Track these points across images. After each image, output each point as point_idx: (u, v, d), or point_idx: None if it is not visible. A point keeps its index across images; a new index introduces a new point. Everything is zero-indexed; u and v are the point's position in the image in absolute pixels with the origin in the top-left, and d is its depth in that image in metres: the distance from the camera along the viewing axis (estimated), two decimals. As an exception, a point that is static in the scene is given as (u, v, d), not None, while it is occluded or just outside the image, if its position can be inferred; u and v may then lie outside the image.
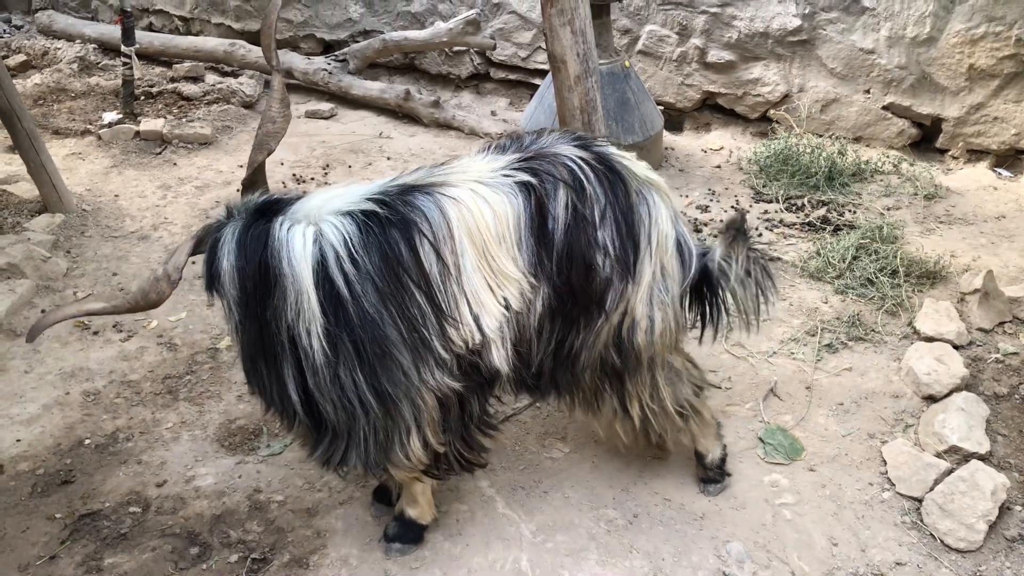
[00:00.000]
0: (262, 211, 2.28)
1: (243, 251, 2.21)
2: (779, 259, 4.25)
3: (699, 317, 2.76)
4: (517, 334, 2.42)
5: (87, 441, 3.23)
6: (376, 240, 2.24)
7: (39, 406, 3.42)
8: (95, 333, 3.84)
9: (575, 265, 2.41)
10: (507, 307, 2.36)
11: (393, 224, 2.26)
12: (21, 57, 7.08)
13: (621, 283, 2.46)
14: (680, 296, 2.62)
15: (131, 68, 5.94)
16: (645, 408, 2.68)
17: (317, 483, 3.00)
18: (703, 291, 2.71)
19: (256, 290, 2.22)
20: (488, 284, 2.33)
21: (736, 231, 2.65)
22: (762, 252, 2.73)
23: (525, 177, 2.39)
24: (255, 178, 2.40)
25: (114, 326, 3.89)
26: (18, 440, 3.24)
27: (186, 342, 3.77)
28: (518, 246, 2.36)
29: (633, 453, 3.03)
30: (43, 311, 3.98)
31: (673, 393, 2.72)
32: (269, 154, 2.38)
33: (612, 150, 2.57)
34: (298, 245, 2.19)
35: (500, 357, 2.39)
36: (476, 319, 2.32)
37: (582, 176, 2.42)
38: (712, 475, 2.95)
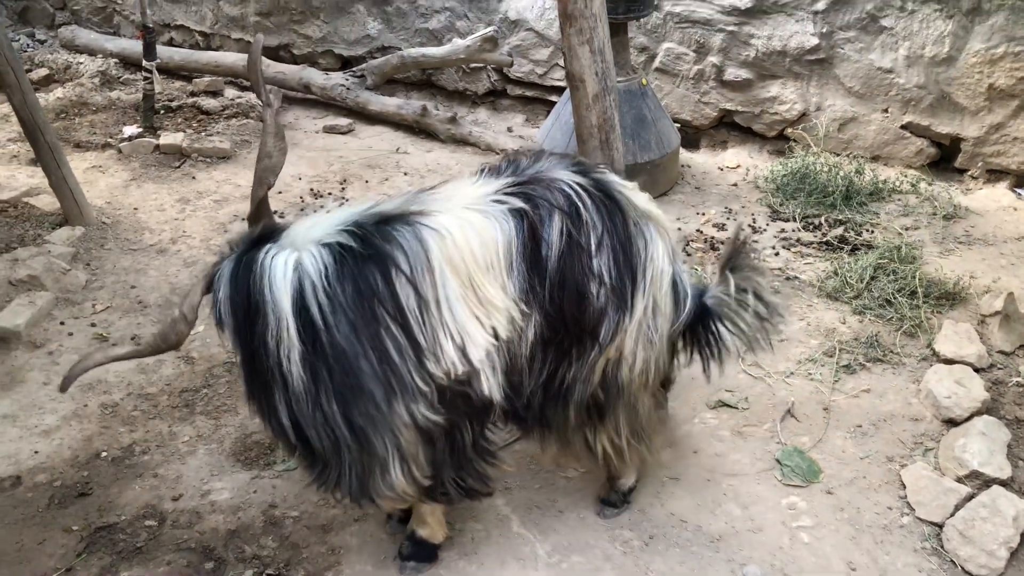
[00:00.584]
0: (256, 242, 2.31)
1: (234, 282, 2.26)
2: (796, 278, 4.24)
3: (700, 353, 2.73)
4: (509, 363, 2.38)
5: (104, 454, 3.25)
6: (350, 272, 2.22)
7: (57, 418, 3.44)
8: (113, 346, 3.87)
9: (567, 293, 2.37)
10: (496, 336, 2.31)
11: (367, 257, 2.23)
12: (44, 71, 7.17)
13: (616, 314, 2.42)
14: (670, 336, 2.59)
15: (152, 82, 6.00)
16: (608, 444, 2.66)
17: (332, 499, 3.00)
18: (698, 329, 2.68)
19: (245, 318, 2.24)
20: (475, 313, 2.29)
21: (734, 255, 2.65)
22: (758, 278, 2.69)
23: (518, 203, 2.36)
24: (259, 213, 2.42)
25: (132, 338, 3.92)
26: (36, 452, 3.26)
27: (203, 356, 3.78)
28: (508, 273, 2.32)
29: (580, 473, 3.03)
30: (61, 323, 4.01)
31: (627, 431, 2.68)
32: (269, 188, 2.39)
33: (612, 178, 2.55)
34: (279, 273, 2.21)
35: (490, 386, 2.34)
36: (462, 350, 2.27)
37: (579, 203, 2.39)
38: (615, 499, 2.93)
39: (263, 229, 2.36)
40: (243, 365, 2.36)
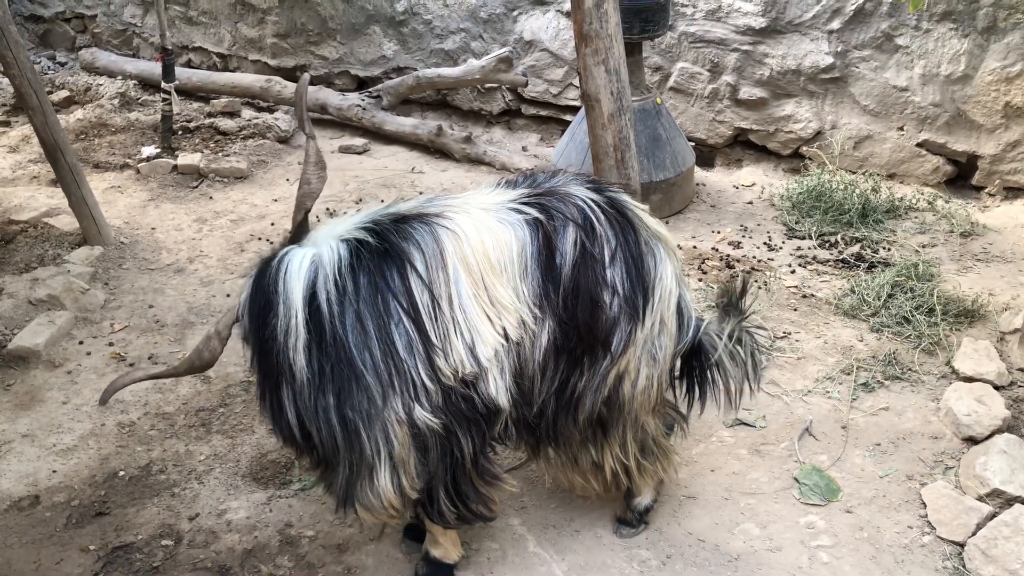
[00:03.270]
0: (281, 247, 2.39)
1: (255, 282, 2.34)
2: (813, 296, 4.22)
3: (688, 389, 2.76)
4: (518, 367, 2.38)
5: (121, 473, 3.26)
6: (365, 265, 2.26)
7: (75, 437, 3.46)
8: (131, 365, 3.89)
9: (581, 301, 2.38)
10: (506, 337, 2.32)
11: (382, 251, 2.28)
12: (65, 93, 7.28)
13: (629, 324, 2.43)
14: (672, 357, 2.60)
15: (170, 104, 6.08)
16: (615, 462, 2.65)
17: (348, 519, 2.99)
18: (693, 362, 2.71)
19: (260, 312, 2.29)
20: (485, 313, 2.31)
21: (728, 303, 2.66)
22: (752, 333, 2.73)
23: (533, 213, 2.39)
24: (298, 234, 2.45)
25: (149, 358, 3.94)
26: (54, 471, 3.28)
27: (219, 375, 3.80)
28: (522, 277, 2.35)
29: (604, 498, 2.97)
30: (80, 342, 4.05)
31: (635, 449, 2.67)
32: (307, 213, 2.45)
33: (625, 197, 2.58)
34: (295, 266, 2.26)
35: (498, 388, 2.33)
36: (471, 348, 2.28)
37: (592, 217, 2.42)
38: (631, 518, 2.91)
39: (292, 236, 2.42)
40: (256, 362, 2.37)
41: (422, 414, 2.27)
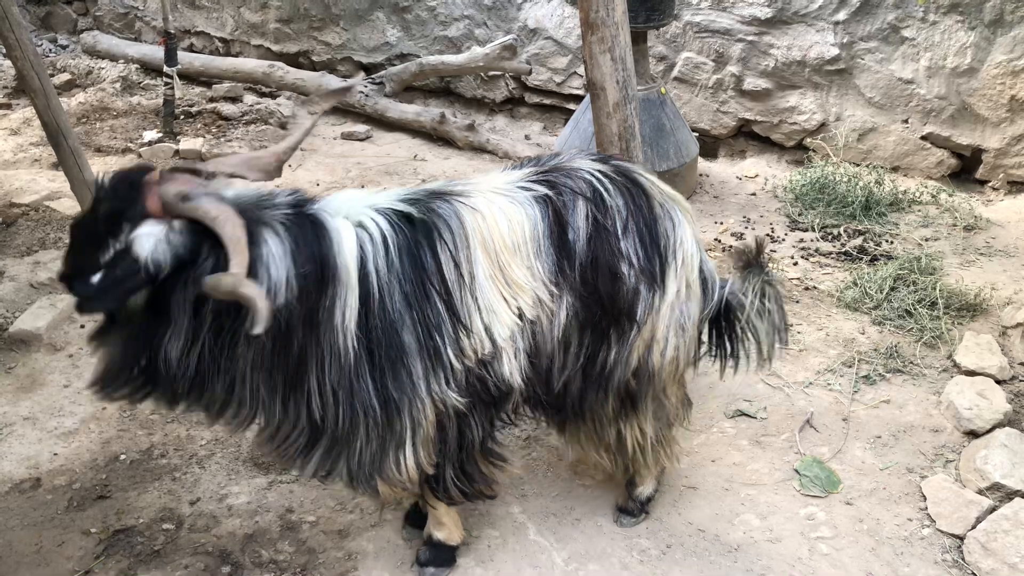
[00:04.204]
0: (300, 204, 2.23)
1: (297, 241, 2.13)
2: (815, 288, 4.21)
3: (717, 351, 2.73)
4: (533, 346, 2.38)
5: (123, 456, 3.27)
6: (406, 242, 2.25)
7: (77, 420, 3.46)
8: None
9: (600, 274, 2.38)
10: (520, 316, 2.32)
11: (420, 228, 2.27)
12: (66, 76, 7.24)
13: (649, 293, 2.43)
14: (700, 323, 2.59)
15: (172, 88, 6.05)
16: (637, 437, 2.64)
17: (348, 504, 3.00)
18: (722, 324, 2.68)
19: (314, 287, 2.13)
20: (501, 293, 2.31)
21: (750, 260, 2.62)
22: (774, 285, 2.67)
23: (542, 189, 2.40)
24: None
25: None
26: (55, 454, 3.28)
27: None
28: (536, 255, 2.35)
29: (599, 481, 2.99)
30: (81, 326, 4.04)
31: (655, 425, 2.67)
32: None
33: (632, 165, 2.58)
34: (347, 240, 2.18)
35: (512, 368, 2.34)
36: (488, 328, 2.29)
37: (601, 189, 2.42)
38: (633, 508, 2.91)
39: (297, 195, 2.26)
40: (285, 338, 2.15)
41: (452, 394, 2.29)
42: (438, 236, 2.27)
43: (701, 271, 2.56)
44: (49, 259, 4.37)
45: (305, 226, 2.15)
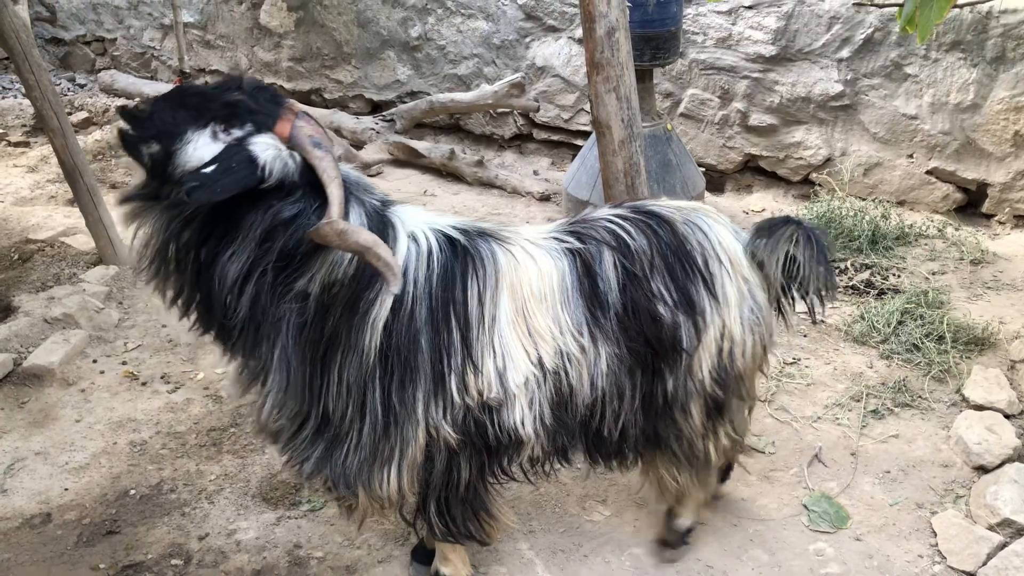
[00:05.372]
0: (384, 204, 2.34)
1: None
2: (823, 322, 4.22)
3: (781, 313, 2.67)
4: (557, 397, 2.37)
5: (132, 492, 3.29)
6: (445, 263, 2.30)
7: (87, 455, 3.48)
8: (143, 384, 3.93)
9: (643, 319, 2.40)
10: (540, 365, 2.33)
11: (460, 255, 2.33)
12: (84, 114, 7.38)
13: (688, 319, 2.43)
14: (770, 305, 2.57)
15: (187, 126, 6.15)
16: (724, 444, 2.63)
17: (356, 540, 3.00)
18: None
19: (365, 275, 2.20)
20: (521, 340, 2.33)
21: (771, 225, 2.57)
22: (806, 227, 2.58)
23: (570, 240, 2.44)
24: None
25: (162, 377, 3.97)
26: (66, 489, 3.30)
27: (231, 394, 3.83)
28: (563, 306, 2.37)
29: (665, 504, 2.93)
30: (94, 361, 4.08)
31: (735, 428, 2.66)
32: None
33: (644, 200, 2.64)
34: (402, 240, 2.27)
35: (525, 416, 2.33)
36: (501, 373, 2.30)
37: (623, 233, 2.45)
38: (674, 539, 2.90)
39: (387, 195, 2.38)
40: (323, 316, 2.21)
41: (445, 426, 2.30)
42: (472, 269, 2.32)
43: (753, 255, 2.53)
44: (63, 295, 4.43)
45: (381, 219, 2.26)
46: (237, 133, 2.08)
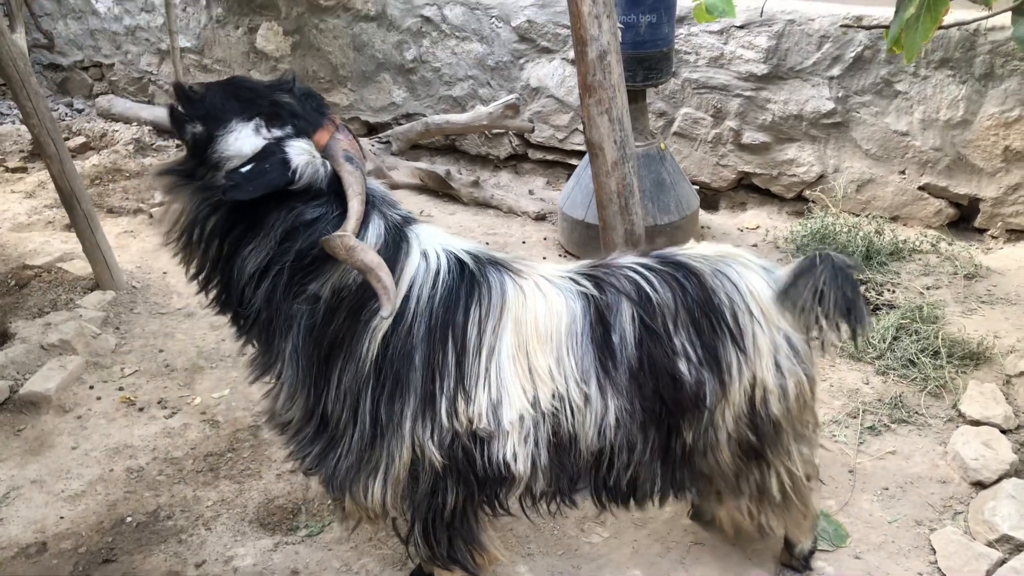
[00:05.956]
0: (406, 220, 2.39)
1: (384, 241, 2.29)
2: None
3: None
4: (555, 440, 2.32)
5: (128, 519, 3.27)
6: (451, 285, 2.31)
7: (84, 483, 3.48)
8: (140, 410, 3.92)
9: (660, 379, 2.33)
10: (535, 406, 2.29)
11: (467, 280, 2.33)
12: (81, 139, 7.42)
13: (714, 376, 2.35)
14: (807, 345, 2.48)
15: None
16: (784, 481, 2.56)
17: (354, 565, 2.99)
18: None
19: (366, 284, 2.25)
20: (519, 377, 2.30)
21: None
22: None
23: (587, 285, 2.39)
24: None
25: (159, 402, 3.97)
26: (61, 517, 3.29)
27: (228, 419, 3.82)
28: (568, 350, 2.32)
29: (741, 540, 2.94)
30: (90, 387, 4.08)
31: (803, 460, 2.59)
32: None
33: (673, 248, 2.55)
34: (414, 255, 2.30)
35: (516, 454, 2.29)
36: (495, 405, 2.28)
37: (646, 286, 2.37)
38: (797, 565, 2.87)
39: (408, 217, 2.41)
40: (327, 320, 2.28)
41: (431, 447, 2.29)
42: (477, 296, 2.32)
43: (788, 293, 2.43)
44: (60, 320, 4.43)
45: (398, 233, 2.31)
46: (277, 133, 2.20)
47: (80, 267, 5.06)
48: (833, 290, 2.35)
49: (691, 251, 2.52)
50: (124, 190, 6.46)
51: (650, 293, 2.37)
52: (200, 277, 2.34)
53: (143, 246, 5.58)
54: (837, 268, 2.37)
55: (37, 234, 5.73)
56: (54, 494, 3.42)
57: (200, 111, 2.23)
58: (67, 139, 7.35)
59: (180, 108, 2.27)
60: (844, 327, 2.42)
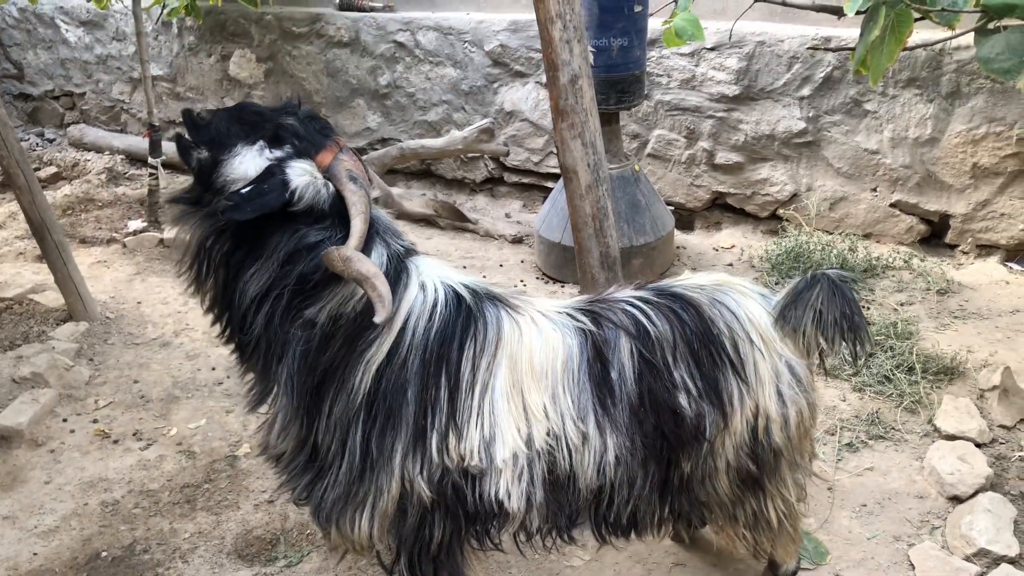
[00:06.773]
0: (408, 252, 2.37)
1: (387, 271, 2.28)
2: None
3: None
4: (550, 477, 2.29)
5: (104, 553, 3.22)
6: (446, 319, 2.28)
7: (57, 518, 3.41)
8: (115, 442, 3.87)
9: (662, 414, 2.31)
10: (529, 444, 2.25)
11: (463, 315, 2.31)
12: (52, 169, 7.36)
13: (715, 409, 2.34)
14: (808, 371, 2.47)
15: (157, 178, 6.16)
16: (779, 509, 2.55)
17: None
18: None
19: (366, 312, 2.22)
20: (513, 414, 2.26)
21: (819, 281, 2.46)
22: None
23: (584, 320, 2.37)
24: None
25: (134, 434, 3.92)
26: (35, 554, 3.23)
27: (204, 450, 3.78)
28: (564, 387, 2.29)
29: (723, 560, 2.94)
30: (64, 420, 4.02)
31: (797, 486, 2.58)
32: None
33: (669, 280, 2.55)
34: (413, 288, 2.28)
35: (510, 492, 2.26)
36: (488, 443, 2.24)
37: (644, 319, 2.35)
38: None
39: (410, 249, 2.39)
40: (323, 346, 2.24)
41: (420, 482, 2.25)
42: (472, 331, 2.29)
43: (786, 318, 2.42)
44: (32, 353, 4.37)
45: (399, 263, 2.29)
46: (278, 154, 2.19)
47: (52, 298, 5.01)
48: (832, 310, 2.35)
49: (687, 282, 2.51)
50: (97, 219, 6.41)
51: (648, 327, 2.34)
52: (211, 306, 2.32)
53: (117, 276, 5.53)
54: (834, 286, 2.36)
55: (8, 265, 5.66)
56: (27, 530, 3.36)
57: (205, 137, 2.24)
58: (38, 169, 7.29)
59: (187, 135, 2.28)
60: (846, 346, 2.42)
